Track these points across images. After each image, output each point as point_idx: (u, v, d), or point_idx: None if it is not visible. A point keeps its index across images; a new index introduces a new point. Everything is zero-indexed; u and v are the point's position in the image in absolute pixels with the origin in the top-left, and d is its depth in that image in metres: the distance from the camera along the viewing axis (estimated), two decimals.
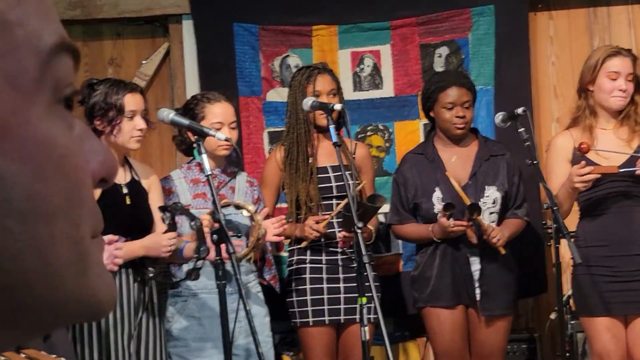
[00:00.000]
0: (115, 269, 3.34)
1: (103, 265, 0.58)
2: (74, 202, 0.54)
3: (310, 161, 4.02)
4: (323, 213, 3.99)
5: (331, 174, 4.04)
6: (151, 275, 3.53)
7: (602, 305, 3.85)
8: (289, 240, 4.15)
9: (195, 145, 3.36)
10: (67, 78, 0.55)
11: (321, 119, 3.92)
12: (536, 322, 4.90)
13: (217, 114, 3.76)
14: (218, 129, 3.67)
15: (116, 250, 3.30)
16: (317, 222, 3.92)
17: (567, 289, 4.32)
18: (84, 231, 0.55)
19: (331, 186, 4.03)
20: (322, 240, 3.98)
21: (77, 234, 0.54)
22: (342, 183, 3.92)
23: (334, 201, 4.02)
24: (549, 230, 4.37)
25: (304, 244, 4.00)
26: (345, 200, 3.70)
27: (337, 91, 4.06)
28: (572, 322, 4.31)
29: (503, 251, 3.90)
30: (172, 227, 3.44)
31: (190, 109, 3.78)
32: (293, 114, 4.03)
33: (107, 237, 3.24)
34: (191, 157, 3.90)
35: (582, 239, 3.91)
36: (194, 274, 3.36)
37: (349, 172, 3.89)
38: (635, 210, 3.88)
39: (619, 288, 3.83)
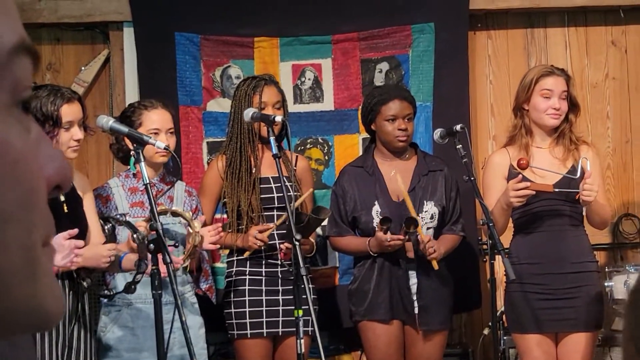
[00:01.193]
0: (73, 267, 3.21)
1: (52, 275, 0.56)
2: (27, 208, 0.52)
3: (253, 171, 4.00)
4: (265, 223, 3.97)
5: (273, 185, 4.01)
6: (87, 285, 3.46)
7: (534, 322, 3.89)
8: (227, 251, 4.11)
9: (133, 153, 3.31)
10: (26, 80, 0.53)
11: (264, 130, 3.90)
12: (469, 337, 4.95)
13: (154, 120, 3.73)
14: (155, 134, 3.64)
15: (77, 249, 3.13)
16: (261, 232, 3.90)
17: (501, 305, 4.38)
18: (35, 238, 0.53)
19: (273, 197, 4.00)
20: (263, 252, 3.96)
21: (28, 240, 0.52)
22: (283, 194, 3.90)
23: (275, 212, 4.00)
24: (484, 247, 4.43)
25: (246, 254, 3.97)
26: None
27: (282, 103, 4.04)
28: (505, 337, 4.36)
29: (436, 266, 3.88)
30: (112, 238, 3.39)
31: (127, 117, 3.73)
32: (236, 123, 3.99)
33: (68, 232, 3.09)
34: (128, 167, 3.85)
35: (515, 256, 3.95)
36: (132, 288, 3.31)
37: (290, 183, 3.88)
38: (566, 229, 3.94)
39: (550, 305, 3.88)
